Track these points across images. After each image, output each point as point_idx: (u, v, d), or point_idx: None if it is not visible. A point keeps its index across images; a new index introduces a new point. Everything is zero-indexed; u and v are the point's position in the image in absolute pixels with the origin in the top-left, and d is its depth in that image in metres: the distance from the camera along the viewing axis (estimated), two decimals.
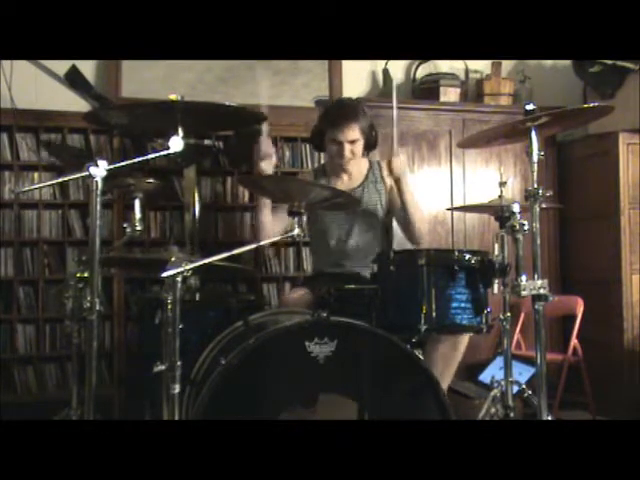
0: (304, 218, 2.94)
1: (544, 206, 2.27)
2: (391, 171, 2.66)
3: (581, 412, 3.41)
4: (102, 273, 1.91)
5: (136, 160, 2.00)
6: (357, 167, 2.82)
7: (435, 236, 3.62)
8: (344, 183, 2.78)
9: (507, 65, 3.97)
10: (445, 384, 2.49)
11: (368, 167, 2.84)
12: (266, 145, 2.67)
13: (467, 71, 3.92)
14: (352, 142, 2.66)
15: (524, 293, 2.06)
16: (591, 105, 2.18)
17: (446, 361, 2.49)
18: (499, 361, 2.89)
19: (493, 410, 2.39)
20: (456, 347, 2.49)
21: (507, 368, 2.41)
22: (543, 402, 2.08)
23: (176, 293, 1.81)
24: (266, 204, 2.71)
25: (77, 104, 3.35)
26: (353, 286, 2.28)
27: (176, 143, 1.95)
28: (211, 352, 2.18)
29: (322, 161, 3.37)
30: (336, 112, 2.71)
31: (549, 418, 2.10)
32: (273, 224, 2.69)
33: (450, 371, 2.52)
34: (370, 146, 2.77)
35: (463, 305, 2.16)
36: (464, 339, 2.51)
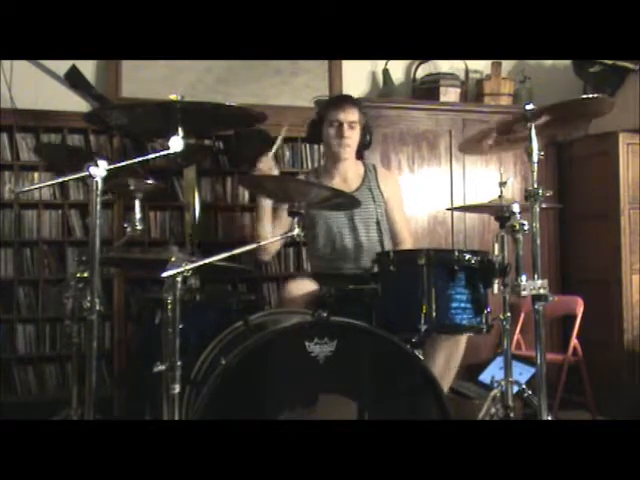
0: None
1: (544, 206, 2.26)
2: None
3: (581, 412, 3.41)
4: (102, 273, 1.90)
5: (136, 160, 2.00)
6: (352, 170, 2.83)
7: (435, 236, 3.62)
8: (338, 186, 2.74)
9: (507, 65, 3.97)
10: (446, 384, 2.49)
11: (363, 171, 2.85)
12: (265, 164, 2.70)
13: (467, 71, 3.91)
14: (351, 125, 2.71)
15: (524, 293, 2.06)
16: (590, 96, 2.16)
17: (446, 361, 2.49)
18: (499, 361, 2.89)
19: (493, 410, 2.38)
20: (456, 347, 2.50)
21: (507, 368, 2.40)
22: (543, 402, 2.08)
23: (176, 293, 1.81)
24: (266, 212, 2.73)
25: (77, 104, 3.35)
26: (353, 286, 2.28)
27: (176, 143, 1.95)
28: (211, 352, 2.17)
29: (322, 162, 3.38)
30: (337, 97, 2.96)
31: (549, 418, 2.10)
32: (274, 232, 2.71)
33: (451, 371, 2.53)
34: (365, 145, 2.81)
35: (463, 305, 2.16)
36: (464, 339, 2.51)
